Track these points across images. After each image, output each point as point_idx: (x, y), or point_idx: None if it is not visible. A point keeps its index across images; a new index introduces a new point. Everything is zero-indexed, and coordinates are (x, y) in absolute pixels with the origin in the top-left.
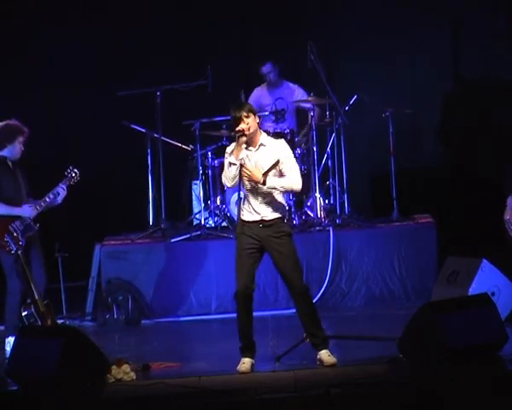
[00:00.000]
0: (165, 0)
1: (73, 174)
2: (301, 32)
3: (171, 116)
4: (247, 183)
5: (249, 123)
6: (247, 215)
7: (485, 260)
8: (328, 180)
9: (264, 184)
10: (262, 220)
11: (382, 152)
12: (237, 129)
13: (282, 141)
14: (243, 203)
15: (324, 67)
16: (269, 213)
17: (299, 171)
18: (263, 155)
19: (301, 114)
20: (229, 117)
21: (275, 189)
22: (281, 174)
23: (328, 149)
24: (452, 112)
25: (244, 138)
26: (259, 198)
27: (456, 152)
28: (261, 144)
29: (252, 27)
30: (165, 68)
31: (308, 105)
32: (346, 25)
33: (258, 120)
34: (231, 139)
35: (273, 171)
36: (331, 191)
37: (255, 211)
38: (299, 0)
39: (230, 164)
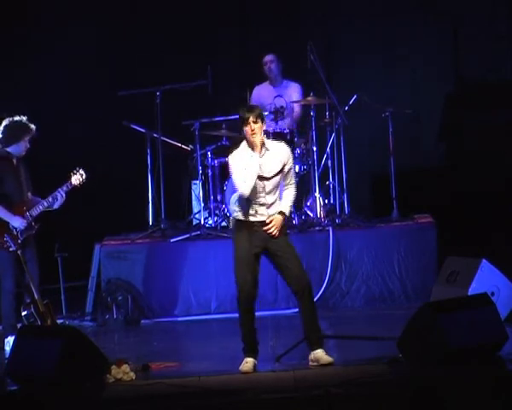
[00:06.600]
0: (165, 0)
1: (79, 175)
2: (301, 32)
3: (171, 116)
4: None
5: (255, 129)
6: (253, 217)
7: (484, 260)
8: (328, 180)
9: (285, 218)
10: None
11: (382, 152)
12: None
13: (284, 144)
14: (249, 206)
15: (324, 67)
16: (275, 212)
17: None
18: (268, 160)
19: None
20: (228, 117)
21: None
22: (284, 175)
23: (327, 149)
24: (452, 112)
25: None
26: (269, 200)
27: (457, 152)
28: (266, 149)
29: (252, 27)
30: (165, 68)
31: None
32: (346, 25)
33: (264, 127)
34: (231, 139)
35: (280, 175)
36: (331, 191)
37: (263, 213)
38: (299, 0)
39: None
